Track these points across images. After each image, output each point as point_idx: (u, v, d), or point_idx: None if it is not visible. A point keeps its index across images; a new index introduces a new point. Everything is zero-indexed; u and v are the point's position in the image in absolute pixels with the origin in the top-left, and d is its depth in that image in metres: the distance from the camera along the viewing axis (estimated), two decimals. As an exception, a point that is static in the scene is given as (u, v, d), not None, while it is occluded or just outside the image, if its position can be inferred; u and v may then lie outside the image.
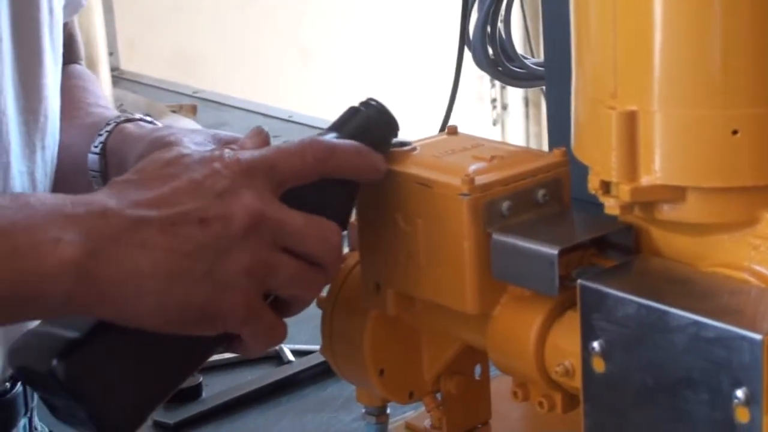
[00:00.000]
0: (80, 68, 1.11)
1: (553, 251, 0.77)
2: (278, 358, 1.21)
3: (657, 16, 0.72)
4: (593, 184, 0.76)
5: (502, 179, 0.81)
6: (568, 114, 1.54)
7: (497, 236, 0.80)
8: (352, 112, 0.85)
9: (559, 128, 1.53)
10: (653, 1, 0.72)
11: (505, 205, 0.81)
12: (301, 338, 1.25)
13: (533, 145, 3.73)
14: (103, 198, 0.76)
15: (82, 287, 0.73)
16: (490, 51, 1.58)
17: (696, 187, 0.74)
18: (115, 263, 0.73)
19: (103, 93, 1.10)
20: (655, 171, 0.74)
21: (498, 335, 0.82)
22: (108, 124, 0.98)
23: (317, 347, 1.22)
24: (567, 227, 0.81)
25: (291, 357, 1.20)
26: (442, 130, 1.62)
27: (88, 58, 1.66)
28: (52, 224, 0.73)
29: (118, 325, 0.75)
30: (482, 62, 1.60)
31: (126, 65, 2.36)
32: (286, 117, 2.00)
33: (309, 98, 2.99)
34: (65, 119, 1.02)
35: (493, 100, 3.62)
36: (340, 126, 0.84)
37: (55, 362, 0.75)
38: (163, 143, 0.88)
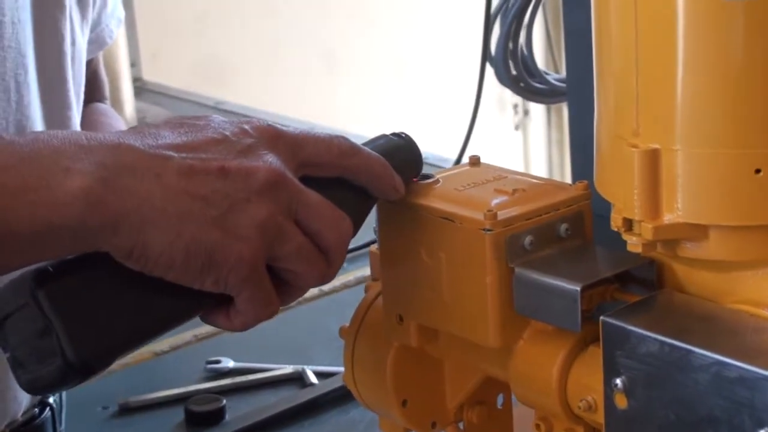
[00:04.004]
0: (104, 106, 1.11)
1: (576, 287, 0.77)
2: (301, 380, 1.22)
3: (680, 54, 0.72)
4: (616, 222, 0.76)
5: (524, 213, 0.81)
6: (589, 130, 1.54)
7: (520, 271, 0.80)
8: (382, 136, 0.86)
9: (580, 144, 1.54)
10: (676, 39, 0.72)
11: (528, 239, 0.81)
12: (324, 359, 1.26)
13: (555, 152, 3.73)
14: (121, 135, 0.75)
15: (92, 216, 0.70)
16: (512, 67, 1.59)
17: (718, 226, 0.74)
18: (127, 192, 0.71)
19: (123, 127, 1.10)
20: (678, 209, 0.74)
21: (521, 370, 0.82)
22: None
23: (340, 369, 1.24)
24: (589, 262, 0.81)
25: (314, 379, 1.21)
26: (465, 144, 1.63)
27: (111, 69, 1.67)
28: (62, 155, 0.71)
29: (111, 263, 0.74)
30: (504, 78, 1.61)
31: (148, 75, 2.37)
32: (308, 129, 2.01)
33: (333, 106, 3.00)
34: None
35: (515, 106, 3.62)
36: (368, 143, 0.85)
37: (36, 283, 0.73)
38: None
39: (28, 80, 0.92)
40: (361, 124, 2.95)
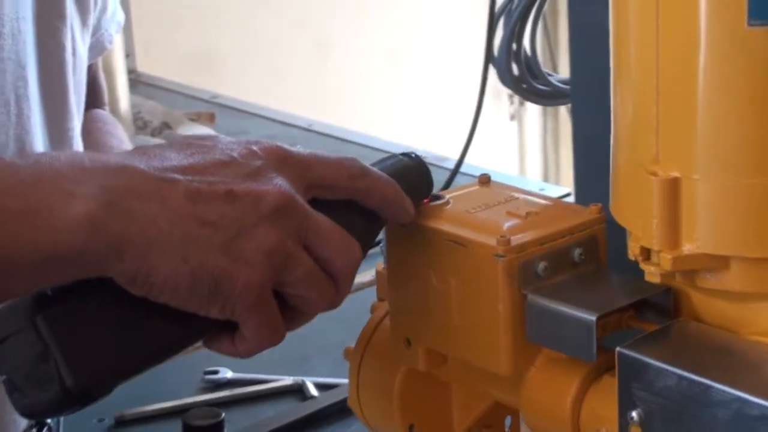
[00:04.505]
0: (103, 113, 1.09)
1: (591, 317, 0.75)
2: (301, 392, 1.20)
3: (701, 81, 0.70)
4: (633, 251, 0.74)
5: (538, 239, 0.79)
6: (593, 132, 1.51)
7: (533, 299, 0.78)
8: (392, 157, 0.84)
9: (584, 147, 1.51)
10: (698, 65, 0.70)
11: (541, 265, 0.79)
12: (324, 370, 1.24)
13: (550, 142, 3.71)
14: (126, 157, 0.73)
15: (96, 241, 0.69)
16: (515, 68, 1.56)
17: (739, 257, 0.72)
18: (132, 216, 0.70)
19: (125, 137, 1.08)
20: (698, 239, 0.72)
21: (532, 398, 0.80)
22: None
23: (341, 380, 1.22)
24: (605, 290, 0.79)
25: (314, 391, 1.19)
26: (466, 147, 1.61)
27: (106, 63, 1.64)
28: (65, 178, 0.69)
29: (113, 287, 0.72)
30: (507, 80, 1.58)
31: (142, 67, 2.34)
32: (305, 126, 1.99)
33: (327, 98, 2.98)
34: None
35: (510, 96, 3.60)
36: (378, 163, 0.83)
37: (35, 309, 0.71)
38: None
39: (28, 93, 0.89)
40: (354, 115, 2.94)
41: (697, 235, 0.72)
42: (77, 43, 0.96)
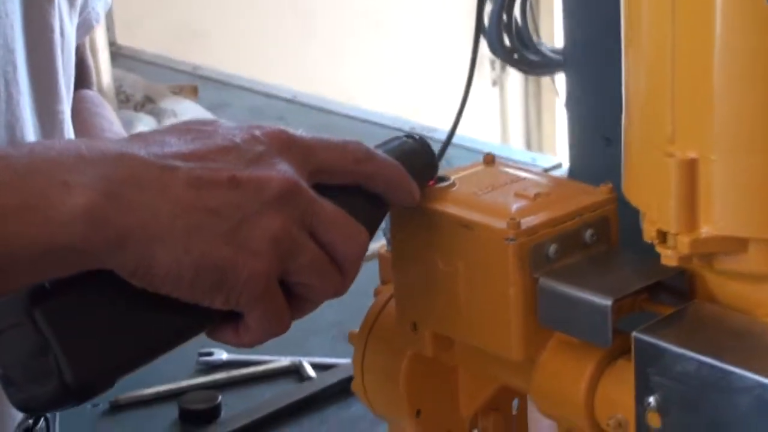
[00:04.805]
0: (92, 93, 1.06)
1: (607, 302, 0.73)
2: (298, 373, 1.18)
3: (720, 53, 0.68)
4: (649, 233, 0.72)
5: (549, 221, 0.77)
6: (587, 103, 1.49)
7: (545, 282, 0.76)
8: (395, 139, 0.81)
9: (578, 118, 1.49)
10: (716, 37, 0.68)
11: (552, 248, 0.77)
12: (321, 350, 1.22)
13: (532, 107, 3.69)
14: (125, 144, 0.70)
15: (96, 234, 0.66)
16: (506, 39, 1.54)
17: (759, 239, 0.70)
18: (133, 207, 0.67)
19: (115, 118, 1.05)
20: (716, 221, 0.70)
21: (544, 383, 0.78)
22: None
23: (338, 360, 1.20)
24: (618, 272, 0.77)
25: (311, 372, 1.17)
26: (457, 120, 1.59)
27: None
28: (61, 168, 0.67)
29: (113, 279, 0.70)
30: (498, 50, 1.56)
31: (122, 40, 2.30)
32: (290, 97, 1.96)
33: (310, 68, 2.94)
34: (79, 141, 0.97)
35: (492, 61, 3.57)
36: (381, 146, 0.81)
37: (32, 301, 0.69)
38: None
39: (17, 77, 0.87)
40: (338, 85, 2.91)
41: (715, 217, 0.70)
42: (65, 23, 0.93)
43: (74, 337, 0.70)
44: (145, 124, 1.84)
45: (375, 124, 1.83)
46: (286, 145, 0.74)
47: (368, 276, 0.88)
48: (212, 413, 1.11)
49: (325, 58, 3.03)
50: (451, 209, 0.79)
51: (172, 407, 1.14)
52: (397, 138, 0.81)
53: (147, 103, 1.92)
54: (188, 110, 1.89)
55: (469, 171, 0.85)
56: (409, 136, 0.81)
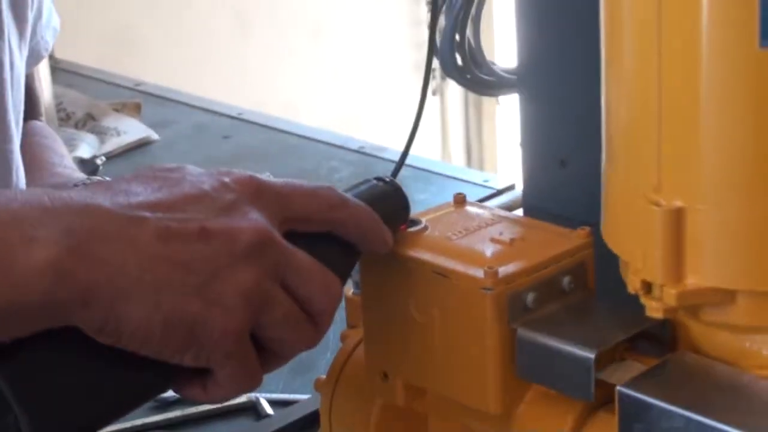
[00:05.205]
0: (40, 125, 1.02)
1: (590, 354, 0.70)
2: (254, 410, 1.14)
3: (708, 98, 0.65)
4: (633, 285, 0.69)
5: (527, 269, 0.74)
6: (541, 125, 1.47)
7: (524, 333, 0.73)
8: (366, 182, 0.78)
9: (532, 142, 1.47)
10: (706, 87, 0.65)
11: (531, 297, 0.74)
12: (277, 386, 1.18)
13: (472, 115, 3.67)
14: (89, 194, 0.67)
15: (61, 290, 0.63)
16: (459, 58, 1.52)
17: (748, 291, 0.68)
18: (99, 262, 0.64)
19: (65, 151, 1.01)
20: (704, 273, 0.67)
21: (523, 436, 0.76)
22: (76, 186, 0.90)
23: (295, 396, 1.17)
24: (599, 322, 0.75)
25: (269, 409, 1.13)
26: (410, 138, 1.55)
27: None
28: (24, 221, 0.64)
29: (77, 335, 0.66)
30: (450, 70, 1.53)
31: (61, 52, 2.25)
32: (235, 114, 1.92)
33: (247, 74, 2.90)
34: (29, 176, 0.94)
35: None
36: (352, 189, 0.78)
37: None
38: None
39: (-36, 117, 0.83)
40: (281, 96, 2.87)
41: (702, 269, 0.68)
42: (15, 56, 0.89)
43: (36, 396, 0.67)
44: (87, 143, 1.79)
45: (323, 142, 1.80)
46: (257, 192, 0.71)
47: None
48: (166, 454, 1.08)
49: (266, 67, 2.99)
50: (425, 256, 0.76)
51: (125, 448, 1.10)
52: (367, 181, 0.78)
53: (89, 121, 1.88)
54: (131, 128, 1.85)
55: (440, 213, 0.82)
56: (380, 179, 0.78)
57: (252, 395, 1.15)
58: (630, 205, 0.70)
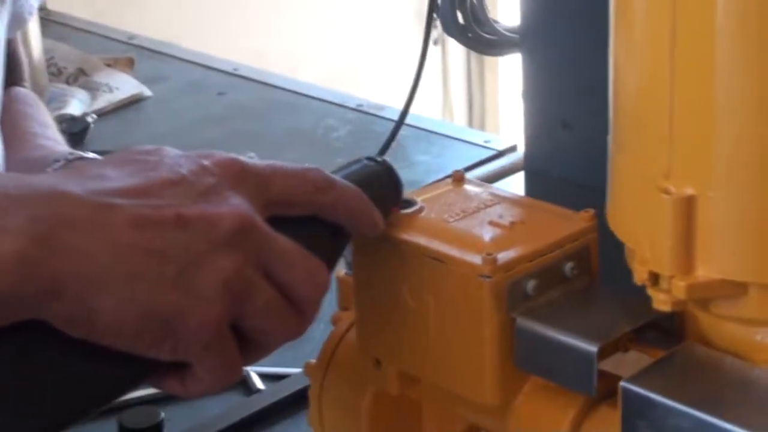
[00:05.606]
0: (24, 91, 0.98)
1: (592, 348, 0.67)
2: (245, 385, 1.11)
3: (726, 82, 0.61)
4: (640, 275, 0.66)
5: (528, 255, 0.70)
6: (543, 86, 1.42)
7: (524, 323, 0.69)
8: (356, 162, 0.74)
9: (534, 102, 1.43)
10: (722, 67, 0.61)
11: (531, 284, 0.70)
12: (269, 359, 1.14)
13: (474, 66, 3.62)
14: (57, 180, 0.64)
15: (28, 282, 0.60)
16: (460, 16, 1.47)
17: (762, 284, 0.64)
18: (68, 251, 0.61)
19: (50, 120, 0.97)
20: (714, 264, 0.64)
21: (521, 428, 0.72)
22: (57, 161, 0.86)
23: (287, 370, 1.13)
24: (603, 311, 0.71)
25: (260, 384, 1.10)
26: (409, 99, 1.51)
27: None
28: None
29: (47, 329, 0.63)
30: (451, 29, 1.49)
31: (53, 3, 2.19)
32: (230, 70, 1.87)
33: (255, 33, 2.85)
34: (9, 148, 0.90)
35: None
36: (341, 170, 0.74)
37: None
38: None
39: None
40: (288, 48, 2.82)
41: (713, 260, 0.64)
42: (-5, 20, 0.85)
43: (5, 394, 0.63)
44: (79, 99, 1.74)
45: (320, 100, 1.75)
46: (238, 175, 0.67)
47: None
48: (155, 431, 1.04)
49: (265, 18, 2.94)
50: (420, 239, 0.72)
51: (111, 425, 1.07)
52: (357, 161, 0.74)
53: (80, 76, 1.83)
54: (124, 84, 1.80)
55: (437, 192, 0.78)
56: (372, 158, 0.74)
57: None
58: (638, 191, 0.66)
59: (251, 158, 0.69)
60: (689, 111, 0.62)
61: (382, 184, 0.73)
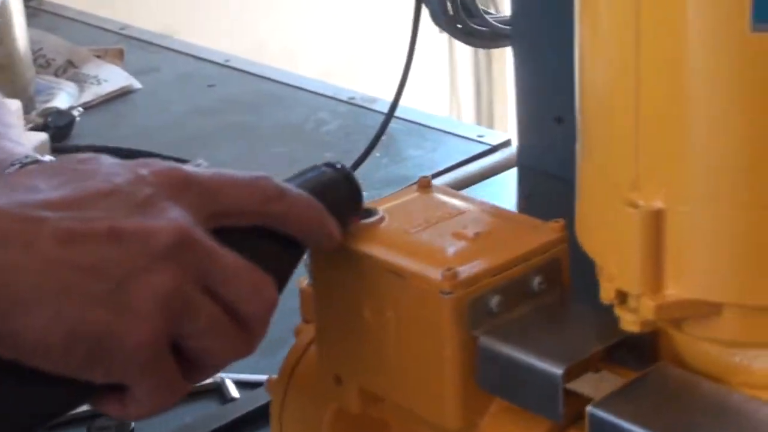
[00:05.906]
0: None
1: (557, 370, 0.63)
2: (219, 393, 1.07)
3: (694, 92, 0.57)
4: (607, 293, 0.61)
5: (491, 269, 0.66)
6: (536, 80, 1.38)
7: (486, 342, 0.65)
8: (313, 168, 0.70)
9: (525, 95, 1.38)
10: (690, 73, 0.57)
11: (495, 300, 0.66)
12: (245, 365, 1.11)
13: (482, 57, 3.57)
14: None
15: None
16: (449, 6, 1.43)
17: (736, 304, 0.60)
18: None
19: (14, 120, 0.93)
20: (686, 283, 0.60)
21: (486, 453, 0.68)
22: (12, 165, 0.82)
23: (263, 377, 1.09)
24: (571, 329, 0.67)
25: (235, 392, 1.06)
26: (399, 90, 1.47)
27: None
28: None
29: None
30: (440, 19, 1.44)
31: (42, -8, 2.15)
32: (222, 61, 1.83)
33: (244, 12, 2.81)
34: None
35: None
36: (296, 177, 0.70)
37: None
38: None
39: None
40: (284, 39, 2.78)
41: (684, 278, 0.59)
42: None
43: None
44: (67, 92, 1.71)
45: (312, 92, 1.71)
46: (179, 185, 0.63)
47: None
48: (124, 442, 1.01)
49: (264, 13, 2.89)
50: (380, 252, 0.68)
51: (80, 433, 1.03)
52: (314, 168, 0.70)
53: (69, 68, 1.79)
54: (112, 76, 1.76)
55: (401, 200, 0.74)
56: (330, 165, 0.70)
57: (217, 376, 1.07)
58: (604, 203, 0.62)
59: (199, 166, 0.66)
60: (656, 112, 0.58)
61: (339, 193, 0.69)
